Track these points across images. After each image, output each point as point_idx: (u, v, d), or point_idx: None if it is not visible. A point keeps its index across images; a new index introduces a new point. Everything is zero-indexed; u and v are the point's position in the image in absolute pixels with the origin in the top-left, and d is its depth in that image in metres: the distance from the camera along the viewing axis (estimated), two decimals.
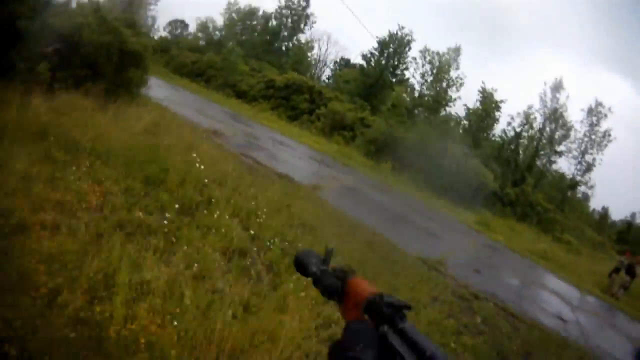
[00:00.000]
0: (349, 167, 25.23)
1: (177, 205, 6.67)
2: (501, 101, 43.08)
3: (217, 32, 63.57)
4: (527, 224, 33.28)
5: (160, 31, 67.58)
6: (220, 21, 63.05)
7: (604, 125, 44.58)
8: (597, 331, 12.42)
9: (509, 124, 44.76)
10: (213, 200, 7.54)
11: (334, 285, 1.50)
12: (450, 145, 30.63)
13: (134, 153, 8.08)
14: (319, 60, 65.70)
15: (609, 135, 44.41)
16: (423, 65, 47.66)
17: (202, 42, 61.25)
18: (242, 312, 4.63)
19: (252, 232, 7.03)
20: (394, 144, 31.38)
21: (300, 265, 1.65)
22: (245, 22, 61.41)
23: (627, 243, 52.13)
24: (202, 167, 8.58)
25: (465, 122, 45.51)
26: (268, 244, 6.76)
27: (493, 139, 45.40)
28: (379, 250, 9.59)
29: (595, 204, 61.23)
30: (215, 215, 6.74)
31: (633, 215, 63.41)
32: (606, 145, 44.65)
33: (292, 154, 21.19)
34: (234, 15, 62.00)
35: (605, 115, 44.46)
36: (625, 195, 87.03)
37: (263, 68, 50.64)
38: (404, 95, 42.79)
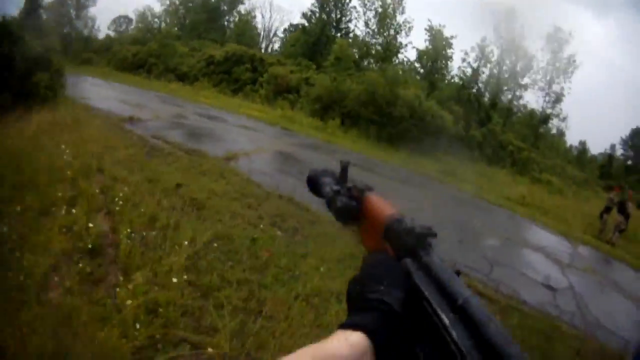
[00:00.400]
0: (288, 130, 23.28)
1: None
2: (452, 37, 40.65)
3: (156, 20, 61.42)
4: (500, 167, 30.86)
5: (107, 30, 66.04)
6: (157, 8, 61.30)
7: (566, 52, 42.42)
8: (596, 297, 9.73)
9: (463, 60, 42.42)
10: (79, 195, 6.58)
11: (347, 207, 1.19)
12: (400, 92, 27.94)
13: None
14: (266, 31, 63.25)
15: (574, 61, 42.32)
16: (365, 13, 45.61)
17: (142, 33, 58.57)
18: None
19: (112, 225, 6.07)
20: (341, 99, 29.29)
21: (313, 186, 1.41)
22: (186, 4, 59.30)
23: (611, 177, 50.84)
24: (75, 159, 8.02)
25: (417, 64, 43.30)
26: (125, 238, 5.49)
27: (451, 80, 43.24)
28: (291, 224, 7.92)
29: (572, 139, 60.07)
30: (74, 212, 5.89)
31: (613, 147, 62.33)
32: (572, 72, 42.64)
33: (221, 126, 19.16)
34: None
35: (567, 41, 42.18)
36: (601, 126, 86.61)
37: (204, 46, 48.81)
38: (349, 47, 40.10)
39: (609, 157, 58.83)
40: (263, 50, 56.31)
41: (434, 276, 0.81)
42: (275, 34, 62.80)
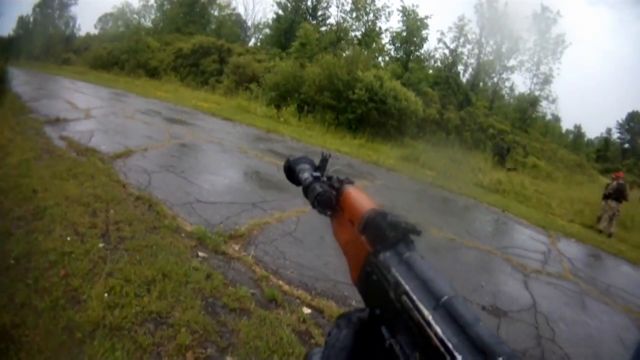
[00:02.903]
0: (231, 121, 21.43)
1: None
2: (426, 17, 39.03)
3: (135, 16, 60.71)
4: (480, 152, 28.58)
5: (93, 29, 68.07)
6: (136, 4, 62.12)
7: (554, 31, 41.42)
8: (571, 317, 6.91)
9: (439, 40, 42.18)
10: None
11: (326, 195, 1.19)
12: (359, 74, 25.80)
13: None
14: (247, 23, 63.41)
15: (563, 41, 41.36)
16: None
17: (121, 29, 57.47)
18: None
19: None
20: (299, 85, 27.52)
21: (290, 172, 1.46)
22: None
23: (607, 161, 49.82)
24: None
25: (389, 47, 42.01)
26: None
27: (428, 62, 42.17)
28: (127, 232, 6.33)
29: (569, 124, 60.22)
30: None
31: (609, 130, 61.95)
32: (562, 52, 41.69)
33: (151, 120, 17.37)
34: None
35: (555, 20, 41.20)
36: (598, 110, 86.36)
37: (176, 40, 48.16)
38: (315, 32, 38.42)
39: (605, 141, 58.12)
40: (251, 43, 56.81)
41: (416, 272, 0.80)
42: (258, 26, 62.39)
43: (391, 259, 0.83)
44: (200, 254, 5.88)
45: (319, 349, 0.97)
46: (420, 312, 0.68)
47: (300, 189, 1.37)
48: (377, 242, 0.89)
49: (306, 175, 1.34)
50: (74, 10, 58.84)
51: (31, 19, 58.05)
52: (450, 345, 0.61)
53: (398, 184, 14.83)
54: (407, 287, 0.75)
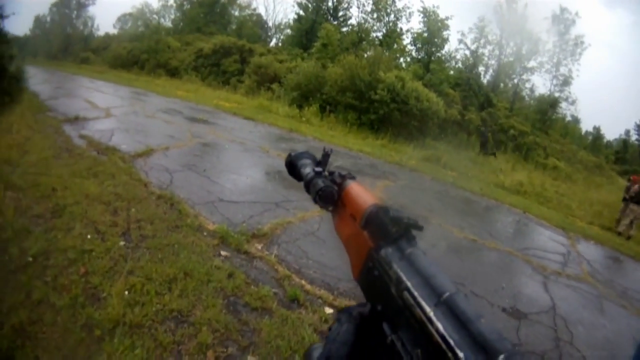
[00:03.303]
0: (252, 120, 21.22)
1: None
2: (447, 18, 38.64)
3: (154, 16, 61.14)
4: (501, 153, 28.37)
5: (112, 29, 68.29)
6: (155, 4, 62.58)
7: (573, 32, 41.30)
8: (590, 319, 6.89)
9: (460, 41, 41.54)
10: None
11: (328, 189, 1.21)
12: (381, 75, 25.61)
13: None
14: (268, 23, 63.09)
15: (582, 42, 41.17)
16: None
17: (140, 29, 57.72)
18: None
19: None
20: (321, 85, 27.42)
21: (292, 167, 1.49)
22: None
23: (626, 162, 49.29)
24: None
25: (410, 48, 41.62)
26: None
27: (449, 63, 41.71)
28: (148, 230, 6.30)
29: (588, 125, 59.64)
30: None
31: (627, 132, 61.28)
32: (580, 54, 41.52)
33: (173, 119, 17.33)
34: None
35: (573, 21, 41.11)
36: (617, 112, 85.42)
37: (196, 40, 47.98)
38: (337, 32, 38.09)
39: (624, 143, 57.54)
40: (272, 44, 56.40)
41: (418, 268, 0.81)
42: (279, 27, 62.24)
43: (393, 255, 0.85)
44: (223, 252, 5.91)
45: (319, 345, 1.03)
46: (422, 308, 0.71)
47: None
48: (379, 237, 0.92)
49: (308, 170, 1.36)
50: (92, 10, 59.56)
51: (48, 19, 58.52)
52: (451, 342, 0.64)
53: (420, 184, 14.78)
54: (408, 284, 0.77)
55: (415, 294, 0.74)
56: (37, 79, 23.04)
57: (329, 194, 1.18)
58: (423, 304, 0.71)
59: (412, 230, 0.88)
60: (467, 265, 7.82)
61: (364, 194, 1.10)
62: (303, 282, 5.58)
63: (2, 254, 4.81)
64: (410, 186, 13.93)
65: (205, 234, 6.38)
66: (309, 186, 1.27)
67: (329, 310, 5.01)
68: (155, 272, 4.88)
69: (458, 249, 8.55)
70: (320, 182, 1.21)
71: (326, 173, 1.31)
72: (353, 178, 1.22)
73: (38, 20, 58.79)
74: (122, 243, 5.60)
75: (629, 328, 6.86)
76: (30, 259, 4.68)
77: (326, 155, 1.39)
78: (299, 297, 5.08)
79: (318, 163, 1.39)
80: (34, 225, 5.63)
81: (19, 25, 57.95)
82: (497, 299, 6.50)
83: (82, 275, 4.61)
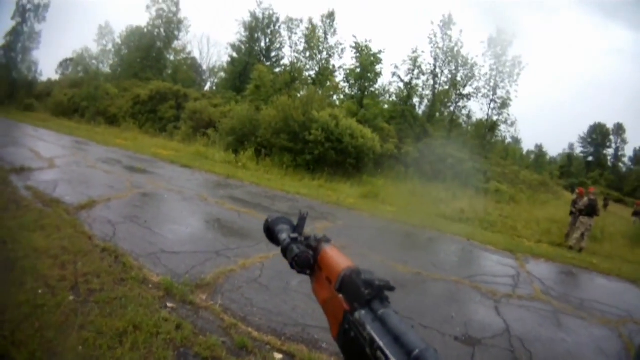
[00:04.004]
0: (188, 168, 21.38)
1: None
2: (379, 52, 38.69)
3: (93, 61, 60.63)
4: (440, 182, 28.64)
5: (54, 74, 67.07)
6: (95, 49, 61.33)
7: (510, 54, 41.75)
8: (547, 337, 6.99)
9: (393, 74, 41.38)
10: None
11: (303, 256, 1.21)
12: (315, 114, 25.82)
13: None
14: (202, 67, 64.50)
15: (520, 62, 41.60)
16: (290, 37, 45.97)
17: (80, 74, 57.96)
18: None
19: None
20: (256, 129, 27.59)
21: (270, 232, 1.48)
22: (129, 44, 58.89)
23: (572, 176, 50.65)
24: None
25: (344, 84, 41.85)
26: None
27: (383, 97, 41.96)
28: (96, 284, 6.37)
29: (529, 144, 61.68)
30: None
31: (571, 145, 63.33)
32: (519, 74, 41.84)
33: (112, 169, 17.43)
34: (105, 40, 60.25)
35: (511, 43, 41.64)
36: (558, 128, 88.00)
37: (135, 86, 47.60)
38: (269, 73, 38.37)
39: (568, 156, 59.54)
40: (207, 87, 57.86)
41: (390, 328, 0.81)
42: (213, 70, 63.63)
43: (366, 317, 0.85)
44: (169, 304, 5.95)
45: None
46: None
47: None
48: (353, 300, 0.93)
49: (284, 236, 1.35)
50: (35, 54, 58.30)
51: None
52: None
53: (359, 222, 14.80)
54: (380, 343, 0.76)
55: (387, 352, 0.74)
56: None
57: (305, 260, 1.19)
58: None
59: (385, 291, 0.90)
60: (413, 298, 7.84)
61: (338, 257, 1.11)
62: (250, 329, 5.65)
63: None
64: (349, 225, 13.91)
65: (150, 286, 6.45)
66: (285, 252, 1.28)
67: (278, 356, 5.10)
68: (106, 326, 4.92)
69: (403, 283, 8.49)
70: (295, 249, 1.23)
71: (302, 238, 1.31)
72: (328, 241, 1.22)
73: None
74: (71, 297, 5.66)
75: (591, 337, 7.12)
76: None
77: (302, 219, 1.40)
78: (247, 345, 5.15)
79: (295, 228, 1.40)
80: None
81: None
82: (448, 329, 6.60)
83: (37, 330, 4.65)
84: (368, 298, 0.89)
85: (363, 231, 13.48)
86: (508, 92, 41.63)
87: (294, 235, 1.33)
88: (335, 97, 40.01)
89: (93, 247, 7.71)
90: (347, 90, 41.13)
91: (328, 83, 41.13)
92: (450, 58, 41.58)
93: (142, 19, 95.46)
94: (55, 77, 65.48)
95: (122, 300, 5.63)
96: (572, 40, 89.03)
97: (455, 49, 41.47)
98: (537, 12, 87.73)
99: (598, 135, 66.49)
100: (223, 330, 5.45)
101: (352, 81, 40.16)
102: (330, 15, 44.18)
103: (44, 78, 62.57)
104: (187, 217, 11.61)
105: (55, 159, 17.03)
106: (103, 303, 5.50)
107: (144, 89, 43.36)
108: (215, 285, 6.89)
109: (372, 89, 40.57)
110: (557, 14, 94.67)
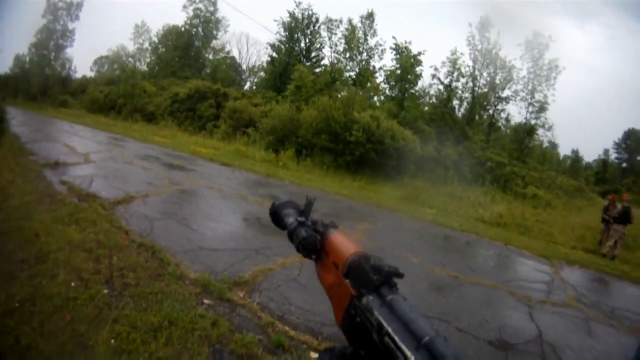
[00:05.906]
0: (228, 166, 21.13)
1: None
2: (419, 53, 38.66)
3: (130, 59, 61.88)
4: (479, 186, 28.22)
5: (89, 71, 68.58)
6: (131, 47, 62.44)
7: (547, 57, 40.64)
8: (578, 343, 7.02)
9: (433, 76, 41.13)
10: None
11: (311, 239, 1.20)
12: (356, 115, 25.81)
13: None
14: (242, 66, 64.66)
15: (556, 66, 40.52)
16: (330, 38, 45.90)
17: (117, 72, 57.85)
18: None
19: None
20: (297, 129, 27.54)
21: (276, 216, 1.46)
22: (165, 42, 59.99)
23: (607, 182, 49.52)
24: None
25: (384, 86, 41.74)
26: None
27: (423, 99, 42.02)
28: (131, 279, 6.34)
29: (566, 149, 60.12)
30: None
31: (606, 151, 61.79)
32: (555, 78, 40.84)
33: (150, 166, 17.27)
34: (141, 39, 62.04)
35: (547, 46, 40.51)
36: (594, 133, 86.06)
37: (173, 84, 48.03)
38: (310, 73, 37.87)
39: (603, 163, 58.04)
40: (246, 87, 57.57)
41: (399, 314, 0.82)
42: (253, 69, 63.83)
43: (374, 302, 0.86)
44: (206, 301, 5.89)
45: None
46: (403, 352, 0.72)
47: None
48: (360, 285, 0.94)
49: (291, 220, 1.35)
50: (69, 52, 59.27)
51: (27, 59, 58.21)
52: None
53: (399, 224, 14.78)
54: (389, 329, 0.78)
55: (396, 338, 0.75)
56: (17, 120, 23.37)
57: (312, 244, 1.19)
58: (404, 348, 0.72)
59: (395, 277, 0.91)
60: (450, 302, 7.80)
61: (345, 242, 1.11)
62: (287, 328, 5.56)
63: None
64: (389, 227, 13.91)
65: (187, 282, 6.36)
66: (292, 236, 1.28)
67: (314, 355, 5.02)
68: (140, 321, 4.86)
69: (440, 286, 8.54)
70: (302, 232, 1.22)
71: (309, 222, 1.31)
72: (335, 227, 1.22)
73: (18, 59, 58.15)
74: (105, 291, 5.60)
75: (619, 346, 7.06)
76: (17, 304, 4.67)
77: (309, 204, 1.40)
78: (283, 343, 5.07)
79: (301, 212, 1.39)
80: (19, 270, 5.65)
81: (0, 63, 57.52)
82: (482, 333, 6.53)
83: (68, 322, 4.59)
84: (376, 284, 0.90)
85: (402, 233, 13.48)
86: (545, 95, 40.94)
87: (301, 219, 1.34)
88: (375, 98, 39.87)
89: (129, 242, 7.70)
90: (387, 92, 41.02)
91: (368, 84, 40.76)
92: (488, 60, 41.10)
93: (178, 18, 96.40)
94: (90, 74, 66.64)
95: (157, 296, 5.64)
96: (607, 45, 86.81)
97: (493, 51, 40.98)
98: (574, 16, 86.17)
99: (632, 142, 65.51)
100: (260, 328, 5.42)
101: (392, 83, 40.08)
102: (370, 16, 43.86)
103: (78, 75, 63.72)
104: (226, 215, 11.63)
105: (91, 154, 17.21)
106: (138, 297, 5.52)
107: (183, 87, 43.51)
108: (254, 283, 6.85)
109: (413, 90, 40.36)
110: (593, 18, 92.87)
